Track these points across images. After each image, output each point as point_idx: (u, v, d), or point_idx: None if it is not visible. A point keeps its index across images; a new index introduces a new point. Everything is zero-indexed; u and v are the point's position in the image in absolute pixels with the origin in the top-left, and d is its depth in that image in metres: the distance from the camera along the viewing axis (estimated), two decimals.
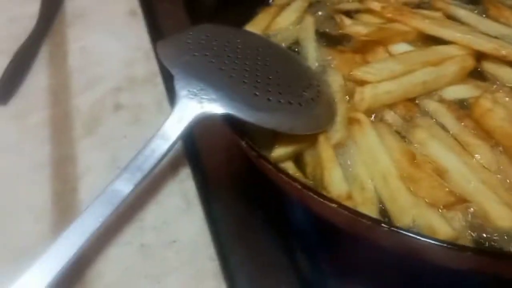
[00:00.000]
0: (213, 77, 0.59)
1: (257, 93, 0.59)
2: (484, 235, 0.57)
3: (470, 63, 0.75)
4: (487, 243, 0.56)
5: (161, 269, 0.52)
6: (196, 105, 0.57)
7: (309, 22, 0.87)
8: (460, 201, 0.57)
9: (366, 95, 0.67)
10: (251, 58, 0.66)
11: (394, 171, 0.60)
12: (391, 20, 0.84)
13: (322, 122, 0.65)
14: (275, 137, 0.64)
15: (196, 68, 0.60)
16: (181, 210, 0.58)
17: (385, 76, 0.70)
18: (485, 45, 0.77)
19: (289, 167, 0.63)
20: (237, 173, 0.66)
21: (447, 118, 0.68)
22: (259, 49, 0.69)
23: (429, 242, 0.47)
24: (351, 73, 0.70)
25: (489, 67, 0.77)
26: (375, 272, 0.61)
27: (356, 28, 0.79)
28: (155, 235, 0.56)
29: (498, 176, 0.61)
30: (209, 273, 0.52)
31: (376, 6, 0.86)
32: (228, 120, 0.58)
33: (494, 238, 0.56)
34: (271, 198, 0.64)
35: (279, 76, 0.65)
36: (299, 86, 0.65)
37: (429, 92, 0.72)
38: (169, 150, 0.56)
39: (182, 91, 0.57)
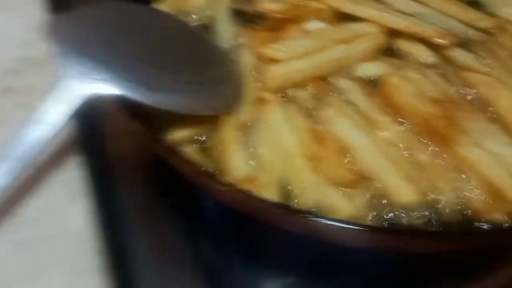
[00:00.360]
0: (107, 56, 0.55)
1: (154, 73, 0.56)
2: (387, 212, 0.56)
3: (382, 40, 0.74)
4: (388, 219, 0.55)
5: (39, 266, 0.48)
6: (84, 86, 0.52)
7: (223, 0, 0.83)
8: (362, 179, 0.56)
9: (276, 74, 0.64)
10: (154, 38, 0.62)
11: (298, 150, 0.58)
12: None
13: (228, 102, 0.62)
14: (177, 119, 0.61)
15: (89, 46, 0.55)
16: (66, 202, 0.53)
17: (296, 53, 0.68)
18: (399, 23, 0.76)
19: (192, 150, 0.60)
20: (139, 160, 0.63)
21: (357, 95, 0.66)
22: (165, 28, 0.66)
23: (324, 223, 0.46)
24: (260, 50, 0.67)
25: (403, 44, 0.77)
26: (282, 257, 0.59)
27: (270, 6, 0.76)
28: (34, 230, 0.51)
29: (405, 152, 0.60)
30: (93, 269, 0.48)
31: None
32: (123, 102, 0.54)
33: (396, 214, 0.55)
34: (176, 184, 0.61)
35: (182, 55, 0.62)
36: (203, 66, 0.62)
37: (341, 70, 0.70)
38: (53, 135, 0.52)
39: (69, 70, 0.52)
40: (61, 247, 0.49)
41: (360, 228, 0.47)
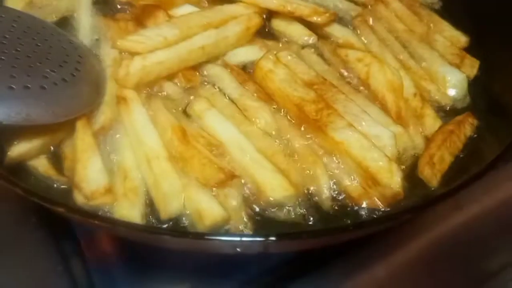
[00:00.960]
0: None
1: None
2: (262, 209, 0.52)
3: (256, 21, 0.69)
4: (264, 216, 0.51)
5: None
6: None
7: None
8: (231, 177, 0.51)
9: (132, 69, 0.58)
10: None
11: (162, 152, 0.53)
12: None
13: (82, 104, 0.55)
14: (25, 130, 0.53)
15: None
16: None
17: (157, 44, 0.61)
18: (271, 2, 0.72)
19: (41, 164, 0.52)
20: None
21: (229, 83, 0.62)
22: (6, 27, 0.57)
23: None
24: (117, 43, 0.60)
25: (278, 24, 0.73)
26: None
27: None
28: None
29: (278, 142, 0.56)
30: None
31: None
32: None
33: (272, 210, 0.52)
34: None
35: (19, 58, 0.54)
36: (47, 66, 0.55)
37: (212, 57, 0.65)
38: None
39: None
40: None
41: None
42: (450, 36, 0.73)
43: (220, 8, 0.71)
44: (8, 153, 0.50)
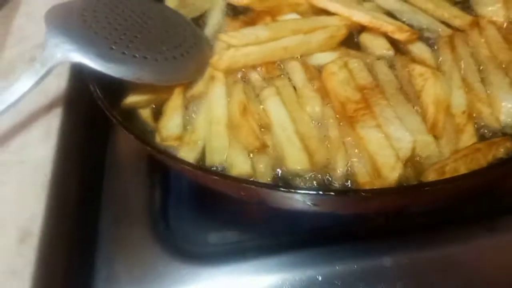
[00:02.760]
0: (78, 33, 0.71)
1: (113, 47, 0.70)
2: (283, 175, 0.64)
3: (342, 32, 0.81)
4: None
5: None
6: (57, 53, 0.69)
7: None
8: (264, 146, 0.65)
9: (224, 57, 0.75)
10: (128, 19, 0.77)
11: (223, 119, 0.69)
12: None
13: (182, 77, 0.75)
14: (141, 86, 0.75)
15: (67, 25, 0.72)
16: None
17: (249, 40, 0.78)
18: (362, 17, 0.82)
19: (145, 113, 0.74)
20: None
21: (298, 76, 0.75)
22: (144, 12, 0.80)
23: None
24: (219, 36, 0.79)
25: (365, 37, 0.83)
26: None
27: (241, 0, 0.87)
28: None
29: (317, 129, 0.68)
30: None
31: None
32: (85, 69, 0.70)
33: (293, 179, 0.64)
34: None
35: (148, 36, 0.76)
36: (164, 45, 0.75)
37: (295, 57, 0.79)
38: (35, 84, 0.68)
39: (48, 42, 0.70)
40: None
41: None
42: None
43: (316, 18, 0.84)
44: (125, 100, 0.72)
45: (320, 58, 0.79)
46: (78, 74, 0.73)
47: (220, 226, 0.75)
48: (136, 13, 0.79)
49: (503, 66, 0.74)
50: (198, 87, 0.75)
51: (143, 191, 0.76)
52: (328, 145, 0.65)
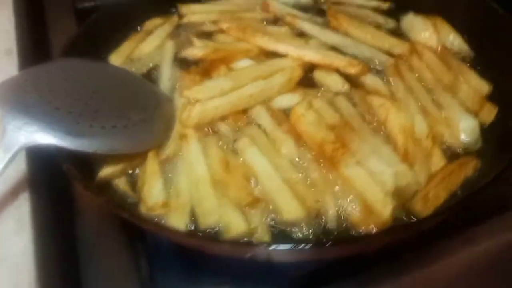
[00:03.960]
0: (38, 111, 0.67)
1: (79, 121, 0.67)
2: (279, 227, 0.65)
3: (297, 73, 0.84)
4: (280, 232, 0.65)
5: None
6: (20, 137, 0.65)
7: (168, 47, 0.95)
8: (257, 200, 0.65)
9: (193, 113, 0.75)
10: (87, 90, 0.74)
11: (207, 178, 0.68)
12: (238, 39, 0.93)
13: (154, 140, 0.74)
14: (112, 157, 0.72)
15: (24, 103, 0.68)
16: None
17: (214, 93, 0.78)
18: (313, 56, 0.86)
19: (120, 182, 0.71)
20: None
21: (269, 123, 0.76)
22: (99, 76, 0.78)
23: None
24: (184, 92, 0.78)
25: (319, 75, 0.86)
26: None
27: (192, 51, 0.87)
28: None
29: (300, 174, 0.70)
30: None
31: (225, 26, 0.95)
32: (54, 148, 0.66)
33: (288, 229, 0.65)
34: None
35: (112, 102, 0.74)
36: (130, 110, 0.74)
37: (259, 103, 0.81)
38: None
39: (8, 125, 0.65)
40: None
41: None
42: (474, 85, 0.81)
43: (270, 62, 0.87)
44: (99, 173, 0.69)
45: (282, 100, 0.81)
46: (39, 153, 0.69)
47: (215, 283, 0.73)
48: (92, 78, 0.77)
49: (448, 88, 0.81)
50: (169, 148, 0.73)
51: (126, 261, 0.73)
52: (314, 188, 0.67)
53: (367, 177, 0.65)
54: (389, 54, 0.90)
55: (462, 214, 0.69)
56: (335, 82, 0.84)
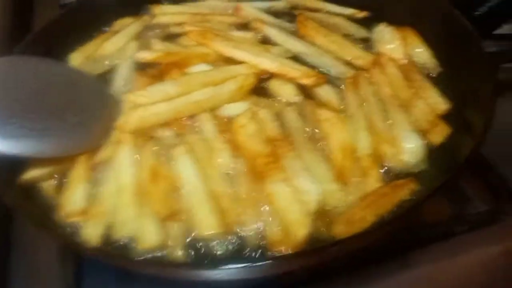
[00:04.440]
0: None
1: (11, 122, 0.66)
2: (197, 241, 0.63)
3: (250, 81, 0.81)
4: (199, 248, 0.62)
5: None
6: None
7: (130, 48, 0.94)
8: (175, 213, 0.63)
9: (131, 118, 0.73)
10: (29, 89, 0.73)
11: (130, 187, 0.66)
12: (199, 43, 0.91)
13: (90, 143, 0.72)
14: (36, 159, 0.70)
15: None
16: None
17: (158, 98, 0.76)
18: (269, 64, 0.83)
19: (47, 185, 0.70)
20: None
21: (210, 130, 0.74)
22: (48, 79, 0.77)
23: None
24: (127, 96, 0.77)
25: (274, 84, 0.83)
26: None
27: (143, 54, 0.85)
28: None
29: (230, 186, 0.67)
30: None
31: (187, 30, 0.93)
32: None
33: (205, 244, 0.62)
34: None
35: (50, 104, 0.72)
36: (68, 112, 0.72)
37: (206, 110, 0.78)
38: None
39: None
40: None
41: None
42: (432, 103, 0.77)
43: (224, 68, 0.84)
44: (23, 176, 0.68)
45: (231, 108, 0.79)
46: None
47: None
48: (39, 77, 0.76)
49: (404, 104, 0.77)
50: (104, 152, 0.72)
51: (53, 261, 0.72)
52: (239, 203, 0.64)
53: (289, 196, 0.62)
54: (352, 65, 0.86)
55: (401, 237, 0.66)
56: (287, 93, 0.81)
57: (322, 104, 0.78)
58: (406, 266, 0.67)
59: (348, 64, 0.86)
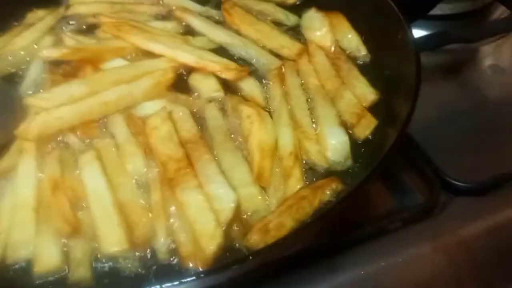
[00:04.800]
0: None
1: None
2: (103, 260, 0.57)
3: (169, 76, 0.75)
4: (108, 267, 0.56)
5: None
6: None
7: (43, 43, 0.86)
8: (77, 229, 0.57)
9: (33, 124, 0.66)
10: None
11: (30, 202, 0.60)
12: (115, 36, 0.83)
13: None
14: None
15: None
16: None
17: (62, 100, 0.69)
18: (188, 58, 0.77)
19: None
20: None
21: (121, 132, 0.68)
22: None
23: None
24: (27, 99, 0.69)
25: (195, 79, 0.78)
26: None
27: (49, 52, 0.78)
28: None
29: (141, 195, 0.61)
30: None
31: (102, 22, 0.86)
32: None
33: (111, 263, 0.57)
34: None
35: None
36: None
37: (118, 111, 0.72)
38: None
39: None
40: None
41: None
42: (360, 93, 0.73)
43: (140, 63, 0.78)
44: None
45: (146, 107, 0.73)
46: None
47: None
48: None
49: (331, 96, 0.72)
50: (3, 163, 0.65)
51: None
52: (150, 214, 0.58)
53: (202, 204, 0.57)
54: (279, 55, 0.81)
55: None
56: (208, 87, 0.75)
57: (246, 100, 0.73)
58: (332, 271, 0.63)
59: (275, 54, 0.81)
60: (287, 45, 0.81)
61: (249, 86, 0.75)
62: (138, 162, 0.64)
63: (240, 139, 0.67)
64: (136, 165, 0.64)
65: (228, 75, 0.74)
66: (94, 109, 0.70)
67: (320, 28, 0.82)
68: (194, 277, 0.47)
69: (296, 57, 0.79)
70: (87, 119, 0.70)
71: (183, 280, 0.45)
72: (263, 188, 0.61)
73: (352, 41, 0.81)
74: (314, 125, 0.69)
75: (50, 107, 0.69)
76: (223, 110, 0.73)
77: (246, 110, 0.69)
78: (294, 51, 0.80)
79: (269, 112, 0.71)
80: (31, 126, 0.66)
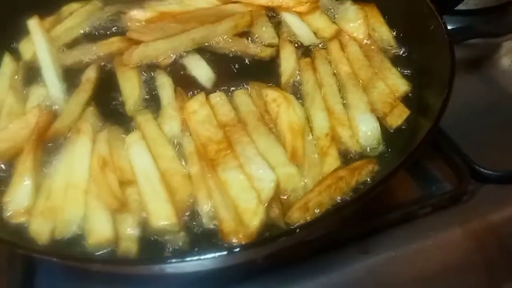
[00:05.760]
0: None
1: None
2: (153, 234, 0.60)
3: (246, 19, 0.81)
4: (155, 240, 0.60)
5: None
6: None
7: None
8: (124, 204, 0.60)
9: (135, 53, 0.74)
10: None
11: (82, 183, 0.62)
12: None
13: None
14: None
15: None
16: None
17: (157, 36, 0.77)
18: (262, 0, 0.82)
19: None
20: None
21: (167, 94, 0.74)
22: None
23: None
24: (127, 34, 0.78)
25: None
26: None
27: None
28: None
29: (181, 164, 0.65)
30: None
31: None
32: None
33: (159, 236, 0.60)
34: None
35: None
36: None
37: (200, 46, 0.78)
38: None
39: None
40: None
41: None
42: (392, 84, 0.75)
43: (222, 7, 0.85)
44: None
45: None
46: None
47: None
48: None
49: (363, 85, 0.74)
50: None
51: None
52: (191, 183, 0.62)
53: (243, 183, 0.59)
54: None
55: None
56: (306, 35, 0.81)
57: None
58: (364, 253, 0.65)
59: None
60: (328, 27, 0.83)
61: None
62: (174, 121, 0.68)
63: (271, 125, 0.69)
64: (172, 124, 0.68)
65: (301, 9, 0.80)
66: (183, 43, 0.77)
67: (355, 20, 0.84)
68: (240, 248, 0.49)
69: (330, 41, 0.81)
70: (174, 52, 0.77)
71: (234, 250, 0.47)
72: (298, 168, 0.63)
73: (385, 33, 0.83)
74: (346, 113, 0.70)
75: (149, 41, 0.75)
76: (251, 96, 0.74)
77: (271, 94, 0.71)
78: (331, 33, 0.82)
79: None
80: (134, 54, 0.74)
